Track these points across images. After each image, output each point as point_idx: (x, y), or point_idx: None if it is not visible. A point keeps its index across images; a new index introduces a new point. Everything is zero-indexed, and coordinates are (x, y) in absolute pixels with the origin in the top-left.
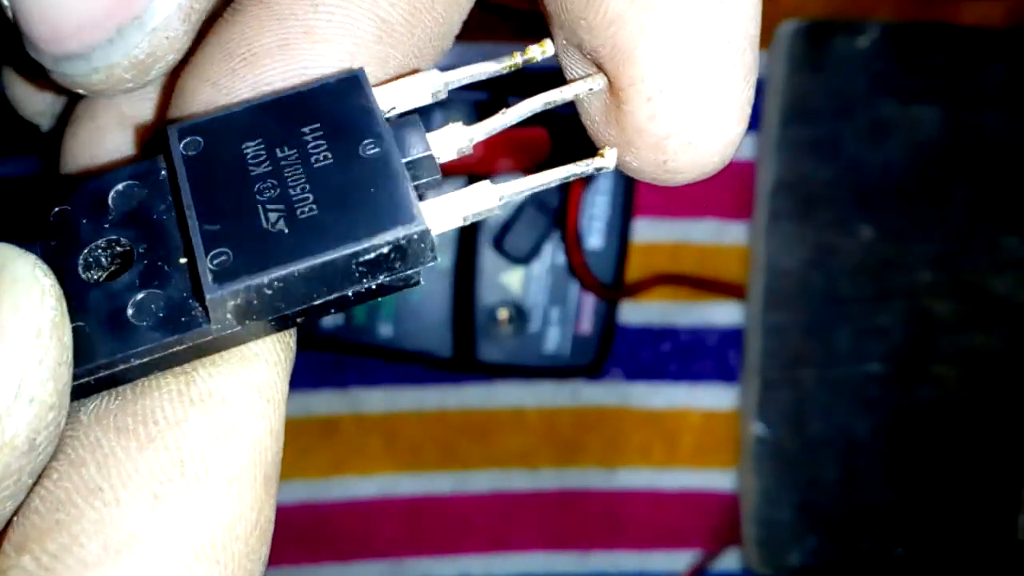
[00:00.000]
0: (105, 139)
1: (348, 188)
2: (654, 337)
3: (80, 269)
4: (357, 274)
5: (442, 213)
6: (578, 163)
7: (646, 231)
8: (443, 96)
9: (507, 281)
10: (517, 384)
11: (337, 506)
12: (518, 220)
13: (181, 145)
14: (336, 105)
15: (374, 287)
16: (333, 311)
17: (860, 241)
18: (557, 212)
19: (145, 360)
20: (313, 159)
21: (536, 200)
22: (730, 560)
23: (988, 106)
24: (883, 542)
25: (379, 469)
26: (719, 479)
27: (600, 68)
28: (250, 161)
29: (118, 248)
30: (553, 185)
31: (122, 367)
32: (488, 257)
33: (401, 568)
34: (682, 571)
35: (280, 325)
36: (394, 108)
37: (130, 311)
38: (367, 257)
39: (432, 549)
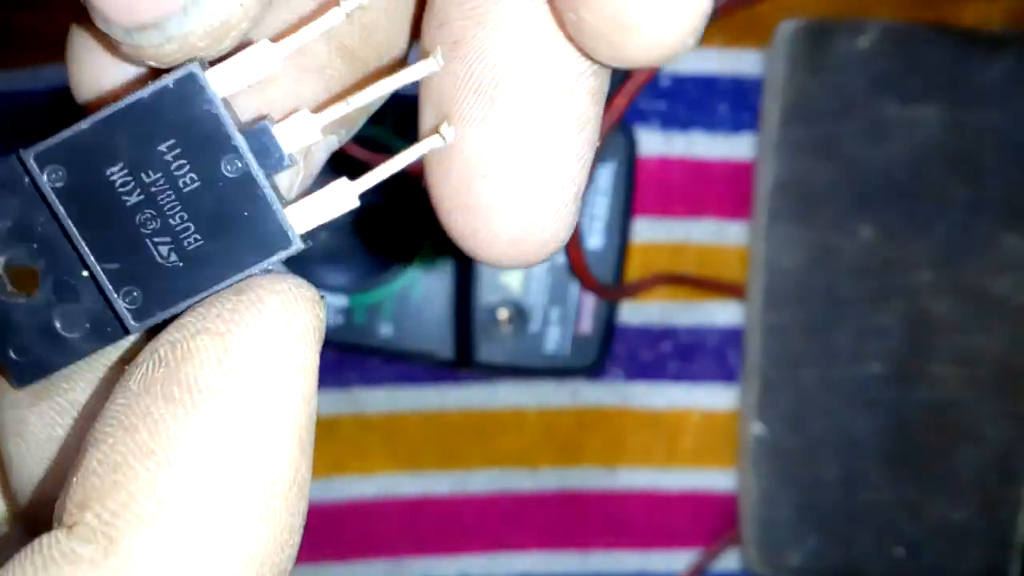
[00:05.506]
0: (115, 70)
1: (222, 213)
2: (654, 337)
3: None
4: None
5: (307, 217)
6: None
7: (646, 231)
8: (276, 69)
9: (507, 281)
10: (517, 384)
11: (337, 506)
12: None
13: (45, 175)
14: (183, 113)
15: None
16: None
17: (860, 241)
18: None
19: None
20: (180, 183)
21: None
22: (730, 560)
23: (988, 106)
24: (883, 542)
25: (379, 469)
26: (719, 479)
27: None
28: (120, 190)
29: (14, 263)
30: (412, 160)
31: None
32: None
33: (401, 568)
34: (682, 571)
35: None
36: (233, 89)
37: (58, 324)
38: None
39: (432, 549)
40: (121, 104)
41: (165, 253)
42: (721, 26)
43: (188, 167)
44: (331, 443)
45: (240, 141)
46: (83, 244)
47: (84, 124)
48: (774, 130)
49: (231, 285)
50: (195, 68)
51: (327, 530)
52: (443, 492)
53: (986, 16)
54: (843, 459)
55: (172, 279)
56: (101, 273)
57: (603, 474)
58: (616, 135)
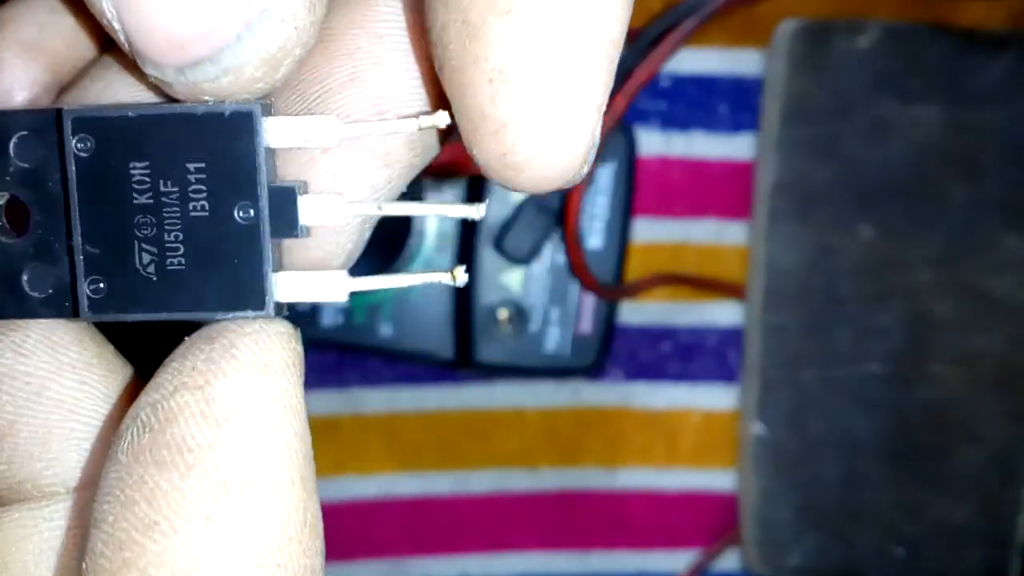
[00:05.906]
0: (3, 74)
1: (215, 250)
2: (654, 337)
3: None
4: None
5: (290, 291)
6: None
7: (646, 231)
8: (332, 145)
9: (507, 281)
10: (517, 384)
11: (337, 506)
12: (518, 220)
13: (75, 140)
14: (225, 145)
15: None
16: None
17: (860, 241)
18: (557, 212)
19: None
20: (191, 206)
21: (536, 200)
22: (730, 560)
23: (988, 106)
24: (883, 542)
25: (379, 469)
26: (719, 479)
27: (447, 58)
28: (134, 185)
29: (14, 205)
30: (420, 282)
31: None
32: (488, 257)
33: (401, 568)
34: (682, 571)
35: None
36: (282, 143)
37: (25, 278)
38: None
39: (432, 549)
40: (173, 109)
41: (145, 261)
42: (721, 26)
43: (205, 194)
44: (331, 443)
45: (264, 194)
46: (77, 218)
47: (131, 112)
48: (774, 130)
49: (186, 320)
50: (256, 109)
51: (327, 530)
52: (443, 492)
53: (986, 16)
54: (843, 459)
55: (139, 288)
56: (80, 252)
57: (603, 474)
58: (616, 135)
